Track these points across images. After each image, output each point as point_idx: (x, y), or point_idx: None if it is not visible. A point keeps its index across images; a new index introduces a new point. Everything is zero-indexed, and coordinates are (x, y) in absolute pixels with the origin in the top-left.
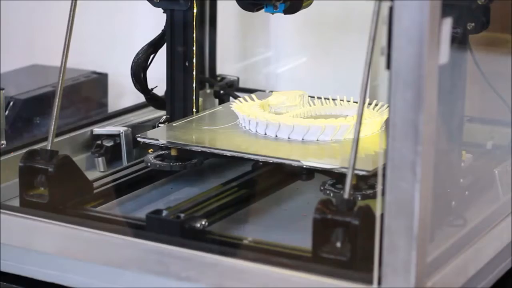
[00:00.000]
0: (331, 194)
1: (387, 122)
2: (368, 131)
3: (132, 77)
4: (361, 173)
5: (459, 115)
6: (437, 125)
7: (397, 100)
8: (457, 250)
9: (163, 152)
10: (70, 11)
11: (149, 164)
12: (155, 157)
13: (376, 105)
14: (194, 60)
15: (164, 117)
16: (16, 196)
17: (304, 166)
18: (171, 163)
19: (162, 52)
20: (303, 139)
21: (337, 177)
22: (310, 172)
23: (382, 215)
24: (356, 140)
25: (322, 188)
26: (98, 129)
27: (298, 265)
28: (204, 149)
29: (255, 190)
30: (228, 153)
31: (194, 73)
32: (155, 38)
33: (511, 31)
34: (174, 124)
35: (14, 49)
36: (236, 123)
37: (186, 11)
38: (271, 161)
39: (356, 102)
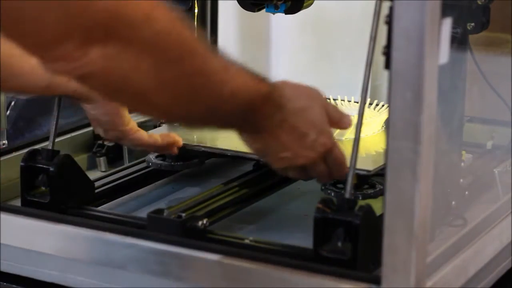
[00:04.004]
0: (332, 194)
1: (387, 122)
2: (368, 131)
3: None
4: (362, 172)
5: (459, 115)
6: (437, 125)
7: (397, 100)
8: (457, 250)
9: None
10: None
11: (150, 164)
12: (157, 157)
13: (377, 105)
14: None
15: None
16: (17, 196)
17: None
18: (172, 163)
19: None
20: None
21: None
22: None
23: (381, 215)
24: (357, 140)
25: (323, 187)
26: None
27: (299, 265)
28: (205, 149)
29: (256, 189)
30: (229, 153)
31: None
32: None
33: (511, 31)
34: (175, 124)
35: None
36: None
37: (187, 11)
38: None
39: (357, 102)
